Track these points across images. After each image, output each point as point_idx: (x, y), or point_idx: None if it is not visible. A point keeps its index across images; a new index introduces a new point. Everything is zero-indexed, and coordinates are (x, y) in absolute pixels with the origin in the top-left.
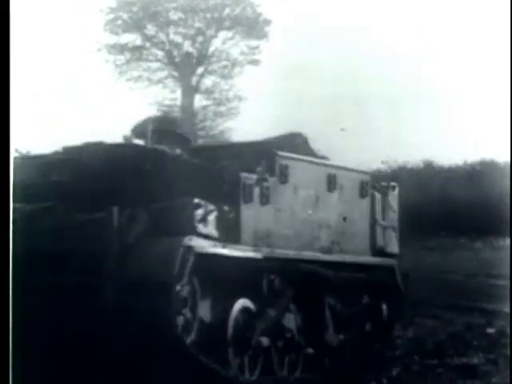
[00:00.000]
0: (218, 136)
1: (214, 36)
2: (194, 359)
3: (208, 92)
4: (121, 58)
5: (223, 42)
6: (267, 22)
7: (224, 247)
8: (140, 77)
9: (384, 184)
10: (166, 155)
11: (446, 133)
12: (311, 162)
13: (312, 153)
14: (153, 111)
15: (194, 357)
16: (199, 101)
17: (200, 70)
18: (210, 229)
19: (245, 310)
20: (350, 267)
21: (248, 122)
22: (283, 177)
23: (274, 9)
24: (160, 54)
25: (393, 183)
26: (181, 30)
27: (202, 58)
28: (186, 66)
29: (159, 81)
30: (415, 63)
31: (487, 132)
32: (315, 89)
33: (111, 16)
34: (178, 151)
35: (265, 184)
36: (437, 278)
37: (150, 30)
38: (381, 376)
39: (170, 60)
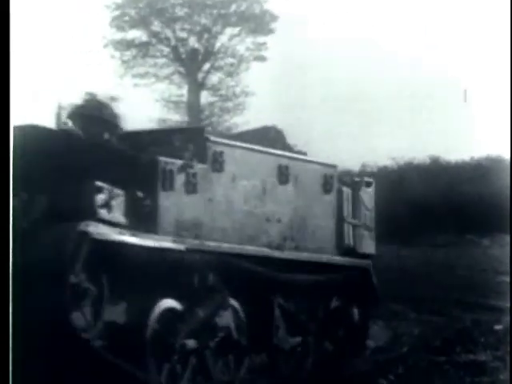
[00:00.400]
0: (224, 132)
1: (221, 32)
2: (99, 362)
3: (214, 88)
4: (127, 54)
5: (229, 39)
6: (274, 18)
7: (133, 235)
8: (146, 73)
9: (356, 179)
10: (77, 139)
11: (452, 129)
12: (255, 151)
13: (286, 147)
14: (159, 107)
15: (98, 359)
16: (205, 97)
17: (206, 66)
18: (116, 215)
19: (169, 311)
20: (310, 266)
21: (254, 117)
22: (217, 164)
23: (281, 5)
24: (166, 50)
25: (367, 179)
26: (187, 26)
27: (209, 54)
28: (193, 63)
29: (165, 77)
30: (421, 59)
31: (494, 128)
32: (321, 85)
33: (117, 12)
34: (106, 136)
35: (191, 171)
36: (444, 274)
37: (156, 26)
38: (388, 373)
39: (177, 56)
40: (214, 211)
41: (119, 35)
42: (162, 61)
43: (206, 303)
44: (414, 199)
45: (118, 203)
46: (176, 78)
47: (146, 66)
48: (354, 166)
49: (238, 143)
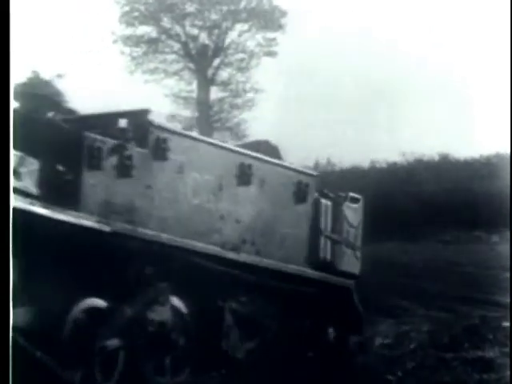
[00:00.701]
0: (234, 128)
1: (231, 28)
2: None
3: (224, 84)
4: (137, 50)
5: (239, 34)
6: (283, 14)
7: (45, 208)
8: (156, 69)
9: (341, 194)
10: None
11: (462, 126)
12: (211, 144)
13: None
14: (169, 103)
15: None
16: (215, 93)
17: (216, 62)
18: (26, 184)
19: (90, 311)
20: (276, 274)
21: (264, 113)
22: (160, 151)
23: (291, 0)
24: (176, 46)
25: (353, 195)
26: (197, 22)
27: (218, 50)
28: (202, 58)
29: (175, 73)
30: (428, 57)
31: (503, 125)
32: (331, 81)
33: (127, 8)
34: (51, 114)
35: (126, 152)
36: (452, 270)
37: (166, 22)
38: (396, 369)
39: (186, 52)
40: (154, 199)
41: (129, 31)
42: (171, 57)
43: (137, 298)
44: (422, 196)
45: (30, 172)
46: (186, 73)
47: (156, 61)
48: (363, 162)
49: (188, 133)
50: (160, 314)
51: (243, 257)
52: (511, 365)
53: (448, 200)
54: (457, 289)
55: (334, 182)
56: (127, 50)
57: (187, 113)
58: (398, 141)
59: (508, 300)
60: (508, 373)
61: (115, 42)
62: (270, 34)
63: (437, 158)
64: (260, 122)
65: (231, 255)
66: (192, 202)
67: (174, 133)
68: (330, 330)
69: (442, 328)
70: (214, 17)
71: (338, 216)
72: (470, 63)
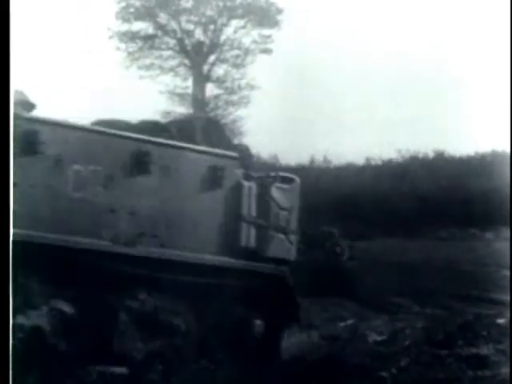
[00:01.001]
0: (229, 125)
1: (226, 24)
2: None
3: (220, 81)
4: (133, 46)
5: (235, 31)
6: (279, 11)
7: None
8: (152, 65)
9: (269, 175)
10: None
11: (457, 123)
12: (98, 133)
13: (223, 139)
14: (164, 100)
15: None
16: (211, 89)
17: (212, 58)
18: None
19: None
20: (182, 266)
21: (259, 110)
22: (29, 146)
23: None
24: (172, 42)
25: (285, 174)
26: (193, 18)
27: (214, 46)
28: (198, 55)
29: (171, 69)
30: (428, 55)
31: (499, 123)
32: (327, 78)
33: (123, 4)
34: None
35: None
36: (448, 268)
37: (162, 18)
38: (390, 366)
39: (182, 48)
40: (24, 197)
41: (124, 27)
42: (167, 53)
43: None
44: (418, 193)
45: None
46: (181, 70)
47: (152, 57)
48: (359, 159)
49: (67, 122)
50: (33, 318)
51: (139, 250)
52: (511, 363)
53: (443, 197)
54: (452, 286)
55: (330, 179)
56: (123, 45)
57: (182, 109)
58: (394, 138)
59: (504, 297)
60: (503, 370)
61: (111, 37)
62: (266, 31)
63: (432, 155)
64: (255, 118)
65: (124, 250)
66: (73, 197)
67: (46, 124)
68: (258, 323)
69: (437, 325)
70: (209, 13)
71: (264, 199)
72: (466, 60)
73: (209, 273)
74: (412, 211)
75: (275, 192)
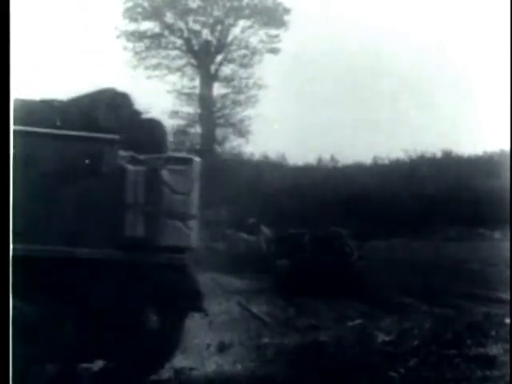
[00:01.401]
0: (237, 124)
1: (233, 24)
2: None
3: (227, 80)
4: (140, 46)
5: (242, 31)
6: (286, 11)
7: None
8: (159, 64)
9: (159, 156)
10: None
11: (465, 123)
12: None
13: (133, 113)
14: (172, 99)
15: None
16: (218, 89)
17: (219, 58)
18: None
19: None
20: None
21: (267, 110)
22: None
23: None
24: (179, 41)
25: (181, 155)
26: (200, 18)
27: (221, 46)
28: (205, 54)
29: (178, 69)
30: (436, 55)
31: (507, 122)
32: (334, 78)
33: (130, 3)
34: None
35: None
36: (455, 267)
37: (169, 17)
38: (398, 366)
39: (189, 48)
40: None
41: (132, 26)
42: (174, 52)
43: None
44: (425, 192)
45: None
46: (188, 69)
47: (159, 57)
48: (367, 158)
49: None
50: None
51: None
52: (511, 363)
53: (451, 197)
54: (460, 285)
55: (337, 179)
56: (130, 45)
57: (190, 109)
58: (401, 137)
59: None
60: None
61: (118, 37)
62: (273, 31)
63: (440, 154)
64: (263, 118)
65: None
66: None
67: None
68: (153, 317)
69: (445, 325)
70: (216, 13)
71: (154, 183)
72: (475, 61)
73: (87, 267)
74: (420, 211)
75: (167, 175)
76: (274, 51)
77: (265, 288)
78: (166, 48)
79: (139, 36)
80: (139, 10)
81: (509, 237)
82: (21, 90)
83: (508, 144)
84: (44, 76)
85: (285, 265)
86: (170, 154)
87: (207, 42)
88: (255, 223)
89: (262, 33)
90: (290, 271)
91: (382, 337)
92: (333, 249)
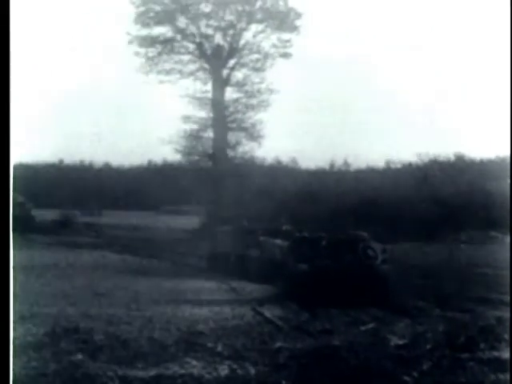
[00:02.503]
0: (249, 128)
1: (246, 29)
2: None
3: (239, 84)
4: (152, 51)
5: (254, 35)
6: (298, 15)
7: None
8: (171, 69)
9: None
10: None
11: (478, 127)
12: None
13: None
14: (184, 104)
15: None
16: (230, 93)
17: (231, 62)
18: None
19: None
20: None
21: (279, 114)
22: None
23: (306, 2)
24: (191, 46)
25: None
26: (212, 22)
27: (233, 50)
28: (217, 59)
29: (190, 73)
30: (447, 59)
31: None
32: (346, 82)
33: (142, 8)
34: None
35: None
36: (468, 271)
37: (182, 22)
38: (412, 370)
39: (201, 53)
40: None
41: (144, 31)
42: (186, 57)
43: None
44: (438, 196)
45: None
46: (201, 74)
47: (171, 62)
48: (379, 162)
49: None
50: None
51: None
52: (511, 364)
53: (464, 201)
54: (473, 289)
55: (350, 183)
56: (142, 50)
57: (202, 113)
58: (413, 141)
59: None
60: None
61: (131, 42)
62: (285, 35)
63: (452, 158)
64: (275, 122)
65: None
66: None
67: None
68: None
69: (458, 328)
70: (229, 17)
71: None
72: (489, 65)
73: None
74: (432, 214)
75: None
76: (286, 56)
77: (280, 294)
78: (178, 53)
79: (151, 41)
80: (151, 14)
81: None
82: (21, 90)
83: None
84: (56, 81)
85: (304, 269)
86: None
87: (219, 47)
88: (289, 230)
89: (274, 37)
90: (309, 276)
91: (395, 341)
92: (356, 252)
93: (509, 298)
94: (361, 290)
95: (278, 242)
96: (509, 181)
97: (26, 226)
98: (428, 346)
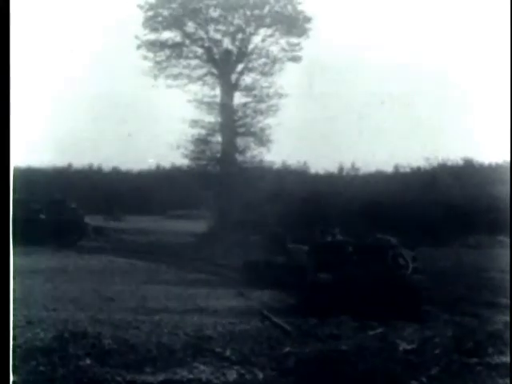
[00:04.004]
0: (258, 133)
1: (254, 33)
2: None
3: (248, 89)
4: (160, 55)
5: (263, 39)
6: (307, 19)
7: None
8: (179, 74)
9: None
10: None
11: (486, 132)
12: None
13: None
14: (192, 109)
15: None
16: (239, 98)
17: (240, 67)
18: None
19: None
20: None
21: (288, 119)
22: None
23: (315, 6)
24: (199, 51)
25: None
26: (220, 27)
27: (242, 55)
28: (226, 64)
29: (199, 78)
30: (458, 63)
31: None
32: (356, 86)
33: (151, 13)
34: None
35: None
36: (476, 275)
37: (190, 26)
38: (420, 375)
39: (210, 57)
40: None
41: (152, 36)
42: (195, 62)
43: None
44: (446, 200)
45: None
46: (209, 79)
47: (180, 67)
48: (388, 166)
49: None
50: None
51: None
52: (511, 367)
53: (471, 205)
54: (481, 294)
55: (358, 187)
56: (150, 55)
57: (211, 118)
58: (422, 145)
59: None
60: None
61: (139, 46)
62: (294, 39)
63: (461, 162)
64: (284, 127)
65: None
66: None
67: None
68: None
69: (466, 333)
70: (237, 21)
71: None
72: (496, 69)
73: None
74: (440, 219)
75: None
76: (295, 60)
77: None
78: (186, 57)
79: (160, 46)
80: (160, 19)
81: None
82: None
83: None
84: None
85: (326, 279)
86: None
87: (228, 51)
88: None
89: (283, 41)
90: (333, 286)
91: (403, 345)
92: (385, 260)
93: None
94: (390, 304)
95: (306, 248)
96: None
97: (79, 231)
98: (436, 351)
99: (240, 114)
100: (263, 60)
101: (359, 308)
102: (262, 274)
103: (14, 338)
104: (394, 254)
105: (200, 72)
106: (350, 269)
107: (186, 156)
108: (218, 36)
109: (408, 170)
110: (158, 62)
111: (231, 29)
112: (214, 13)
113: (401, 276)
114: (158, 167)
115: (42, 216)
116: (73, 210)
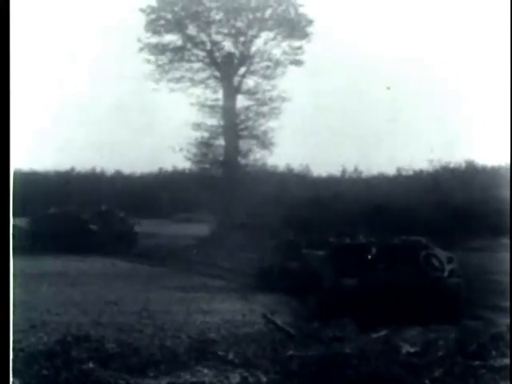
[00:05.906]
0: (260, 136)
1: (256, 36)
2: None
3: (250, 92)
4: (162, 59)
5: (265, 43)
6: (309, 22)
7: None
8: (182, 77)
9: None
10: None
11: (489, 133)
12: None
13: None
14: (195, 112)
15: None
16: (241, 101)
17: (242, 70)
18: None
19: None
20: None
21: (290, 122)
22: None
23: (317, 9)
24: (202, 54)
25: None
26: (222, 30)
27: (244, 58)
28: (228, 67)
29: (201, 81)
30: (460, 65)
31: None
32: (358, 89)
33: (153, 16)
34: None
35: None
36: (480, 278)
37: (192, 30)
38: (423, 377)
39: (212, 60)
40: None
41: (155, 39)
42: (197, 65)
43: None
44: (449, 203)
45: None
46: (211, 82)
47: (182, 70)
48: (390, 169)
49: None
50: None
51: None
52: (511, 367)
53: (475, 208)
54: (484, 296)
55: (361, 190)
56: (153, 58)
57: (213, 121)
58: (424, 148)
59: None
60: None
61: (141, 49)
62: (296, 43)
63: (463, 165)
64: (286, 130)
65: None
66: None
67: None
68: None
69: (470, 336)
70: (239, 25)
71: None
72: (498, 71)
73: None
74: (443, 221)
75: None
76: (298, 63)
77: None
78: (188, 61)
79: (162, 49)
80: (162, 22)
81: None
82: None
83: None
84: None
85: (351, 285)
86: None
87: (230, 54)
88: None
89: (285, 44)
90: (359, 293)
91: (406, 348)
92: (417, 262)
93: None
94: (426, 310)
95: (321, 253)
96: None
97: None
98: (440, 354)
99: (242, 117)
100: (265, 63)
101: (387, 314)
102: (275, 279)
103: (17, 342)
104: (426, 255)
105: (202, 75)
106: (376, 272)
107: (188, 159)
108: (220, 39)
109: (411, 172)
110: (160, 66)
111: (233, 32)
112: (216, 16)
113: (436, 279)
114: (160, 170)
115: (93, 227)
116: (122, 219)
